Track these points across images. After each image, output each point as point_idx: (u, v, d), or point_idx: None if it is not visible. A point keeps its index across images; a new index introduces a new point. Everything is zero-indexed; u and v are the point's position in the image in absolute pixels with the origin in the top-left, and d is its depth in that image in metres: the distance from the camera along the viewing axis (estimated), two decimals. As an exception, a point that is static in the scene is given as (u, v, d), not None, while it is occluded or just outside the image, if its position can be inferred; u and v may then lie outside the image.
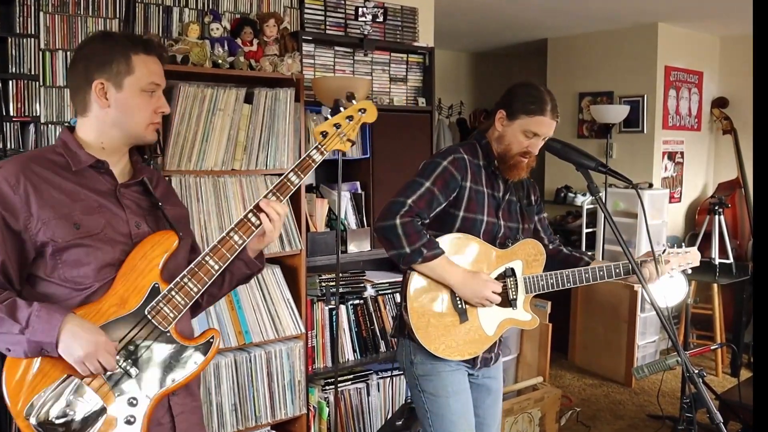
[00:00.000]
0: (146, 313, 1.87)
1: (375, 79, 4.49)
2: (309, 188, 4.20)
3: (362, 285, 4.27)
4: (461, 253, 2.60)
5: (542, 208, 2.93)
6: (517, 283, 2.67)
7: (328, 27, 4.23)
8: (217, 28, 3.66)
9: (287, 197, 2.05)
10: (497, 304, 2.63)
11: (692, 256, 2.81)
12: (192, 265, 1.94)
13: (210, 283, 1.96)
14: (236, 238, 1.98)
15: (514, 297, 2.67)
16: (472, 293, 2.55)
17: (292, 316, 3.77)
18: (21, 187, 1.80)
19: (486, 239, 2.64)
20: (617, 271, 2.66)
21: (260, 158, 3.67)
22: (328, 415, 4.00)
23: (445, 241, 2.58)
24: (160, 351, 1.90)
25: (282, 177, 2.05)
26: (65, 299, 1.84)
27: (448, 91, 7.92)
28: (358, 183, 4.38)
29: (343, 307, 4.14)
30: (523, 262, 2.69)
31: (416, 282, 2.58)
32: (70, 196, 1.85)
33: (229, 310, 3.58)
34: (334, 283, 4.01)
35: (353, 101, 2.21)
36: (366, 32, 4.30)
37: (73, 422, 1.78)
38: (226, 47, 3.64)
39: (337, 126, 2.14)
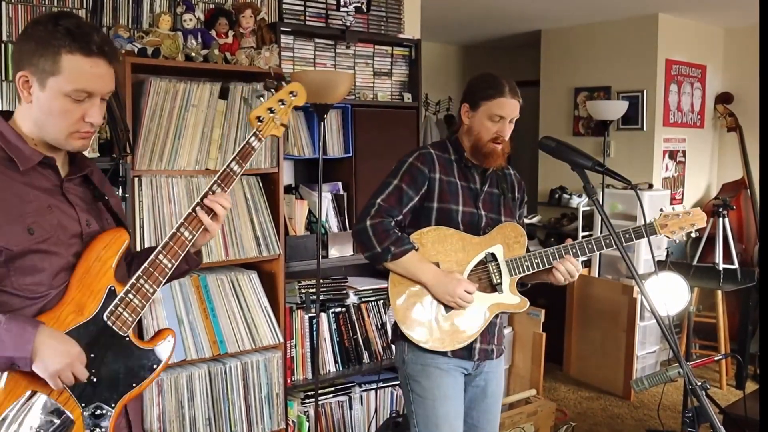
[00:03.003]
0: (105, 319, 1.91)
1: (358, 73, 4.55)
2: (288, 189, 4.25)
3: (344, 292, 4.33)
4: (438, 244, 2.81)
5: (524, 211, 3.11)
6: (499, 268, 2.85)
7: (308, 18, 4.28)
8: (190, 19, 3.72)
9: (231, 187, 2.12)
10: (482, 291, 2.82)
11: (696, 217, 2.82)
12: (146, 265, 1.97)
13: (165, 282, 2.01)
14: (186, 234, 2.04)
15: (499, 281, 2.85)
16: (444, 292, 2.75)
17: (270, 324, 3.83)
18: None
19: (467, 229, 2.84)
20: (607, 242, 2.79)
21: (236, 157, 3.72)
22: (308, 430, 4.06)
23: (419, 234, 2.80)
24: (121, 357, 1.94)
25: (224, 167, 2.11)
26: (17, 309, 1.82)
27: (435, 86, 8.00)
28: (339, 183, 4.44)
29: (324, 316, 4.20)
30: (504, 246, 2.88)
31: (396, 281, 2.80)
32: (19, 197, 1.82)
33: (203, 318, 3.63)
34: (314, 290, 4.07)
35: (283, 83, 2.25)
36: (348, 23, 4.36)
37: None
38: (199, 39, 3.70)
39: (271, 110, 2.24)
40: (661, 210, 2.81)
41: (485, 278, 2.85)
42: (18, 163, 1.84)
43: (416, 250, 2.76)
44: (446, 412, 2.80)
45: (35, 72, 1.81)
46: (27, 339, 1.74)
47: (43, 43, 1.80)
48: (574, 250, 2.81)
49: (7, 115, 1.93)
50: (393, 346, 3.01)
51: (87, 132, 1.89)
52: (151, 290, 1.98)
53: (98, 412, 1.89)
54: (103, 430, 1.90)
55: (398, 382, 3.02)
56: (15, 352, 1.73)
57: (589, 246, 2.81)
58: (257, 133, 2.19)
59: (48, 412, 1.81)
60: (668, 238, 2.81)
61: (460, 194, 2.85)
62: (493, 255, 2.85)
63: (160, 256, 1.99)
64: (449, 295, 2.73)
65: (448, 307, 2.78)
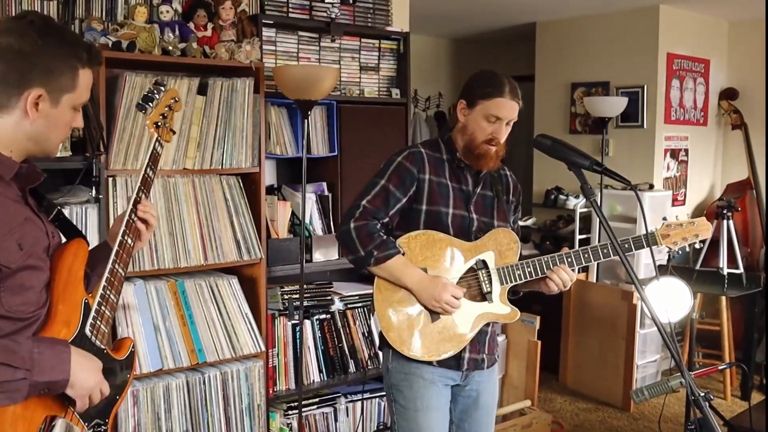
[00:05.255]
0: (88, 333, 1.93)
1: (343, 67, 4.59)
2: (270, 190, 4.27)
3: (329, 298, 4.37)
4: (426, 249, 2.83)
5: (518, 215, 3.12)
6: (490, 276, 2.86)
7: (291, 9, 4.31)
8: (167, 11, 3.75)
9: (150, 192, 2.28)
10: (471, 299, 2.83)
11: (701, 228, 2.78)
12: (108, 275, 2.02)
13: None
14: (130, 241, 2.14)
15: (489, 290, 2.86)
16: (429, 296, 2.76)
17: (251, 332, 3.87)
18: None
19: (457, 233, 2.86)
20: (605, 252, 2.77)
21: (215, 156, 3.76)
22: (292, 443, 4.08)
23: (407, 238, 2.82)
24: (107, 370, 1.97)
25: (142, 174, 2.24)
26: (9, 334, 1.76)
27: (425, 82, 8.04)
28: (324, 184, 4.48)
29: (307, 323, 4.24)
30: (495, 253, 2.89)
31: (382, 286, 2.82)
32: (4, 210, 1.78)
33: (181, 326, 3.66)
34: (297, 296, 4.11)
35: (162, 89, 2.39)
36: (333, 15, 4.39)
37: None
38: (177, 32, 3.74)
39: (164, 116, 2.39)
40: (664, 219, 2.79)
41: (475, 286, 2.87)
42: (1, 173, 1.81)
43: (402, 254, 2.78)
44: (428, 424, 2.85)
45: (51, 91, 1.83)
46: (65, 359, 1.76)
47: (61, 57, 1.83)
48: (569, 260, 2.80)
49: None
50: (380, 353, 3.03)
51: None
52: (116, 299, 2.05)
53: (98, 429, 1.96)
54: None
55: (385, 393, 3.05)
56: (54, 375, 1.74)
57: (586, 256, 2.80)
58: (159, 139, 2.33)
59: None
60: (670, 249, 2.77)
61: (450, 196, 2.87)
62: (483, 262, 2.86)
63: (116, 266, 2.07)
64: (435, 300, 2.74)
65: (435, 315, 2.79)
